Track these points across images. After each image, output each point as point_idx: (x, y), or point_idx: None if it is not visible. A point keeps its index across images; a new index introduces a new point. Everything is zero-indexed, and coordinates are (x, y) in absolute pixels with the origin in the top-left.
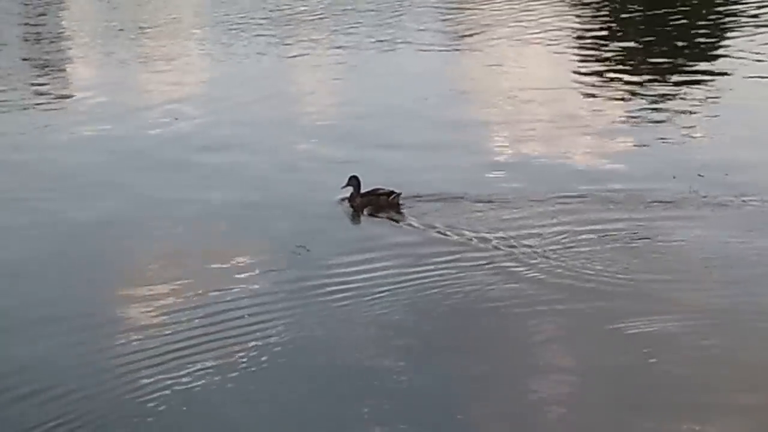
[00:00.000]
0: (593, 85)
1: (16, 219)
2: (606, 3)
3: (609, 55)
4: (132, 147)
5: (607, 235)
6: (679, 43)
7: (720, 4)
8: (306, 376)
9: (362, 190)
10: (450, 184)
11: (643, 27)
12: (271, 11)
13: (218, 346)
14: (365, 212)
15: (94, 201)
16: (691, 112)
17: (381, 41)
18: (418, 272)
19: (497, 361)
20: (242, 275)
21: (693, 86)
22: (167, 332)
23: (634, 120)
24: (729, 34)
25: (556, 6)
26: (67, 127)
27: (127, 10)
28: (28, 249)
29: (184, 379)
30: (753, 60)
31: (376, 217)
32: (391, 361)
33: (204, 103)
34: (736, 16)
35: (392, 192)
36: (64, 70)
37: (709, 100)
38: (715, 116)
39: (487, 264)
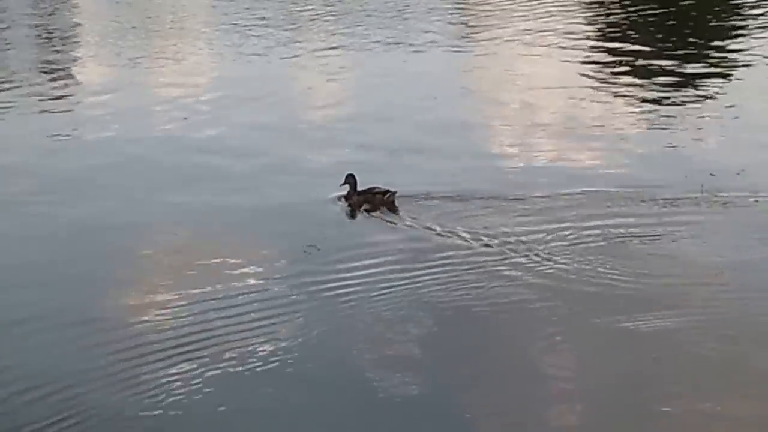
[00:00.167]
0: (603, 85)
1: (15, 222)
2: (616, 1)
3: (619, 54)
4: (138, 150)
5: (615, 235)
6: (691, 39)
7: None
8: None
9: (359, 189)
10: (454, 183)
11: (653, 26)
12: (280, 11)
13: (232, 346)
14: (362, 210)
15: (100, 202)
16: (702, 112)
17: (389, 43)
18: (429, 272)
19: (499, 362)
20: (256, 278)
21: (704, 86)
22: (182, 332)
23: (644, 119)
24: (742, 33)
25: (564, 4)
26: (74, 130)
27: (138, 8)
28: (27, 254)
29: (195, 380)
30: (766, 64)
31: (372, 214)
32: (398, 365)
33: (211, 105)
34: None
35: (388, 191)
36: (73, 70)
37: (721, 100)
38: (727, 117)
39: (490, 264)
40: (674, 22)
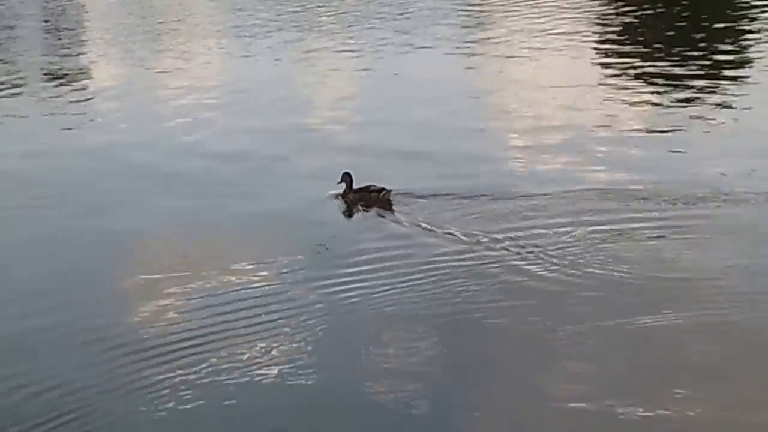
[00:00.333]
0: (615, 84)
1: (21, 230)
2: (628, 2)
3: (631, 54)
4: (143, 155)
5: (625, 234)
6: (700, 38)
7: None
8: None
9: (355, 187)
10: (453, 182)
11: (665, 25)
12: (292, 12)
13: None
14: (358, 207)
15: (106, 208)
16: (714, 111)
17: (404, 44)
18: (428, 272)
19: (499, 362)
20: (256, 278)
21: (716, 86)
22: (186, 335)
23: (656, 118)
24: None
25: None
26: (82, 133)
27: (147, 8)
28: (30, 257)
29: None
30: None
31: (368, 212)
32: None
33: (216, 109)
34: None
35: (383, 189)
36: (82, 70)
37: (733, 99)
38: (739, 116)
39: (494, 263)
40: (684, 23)
